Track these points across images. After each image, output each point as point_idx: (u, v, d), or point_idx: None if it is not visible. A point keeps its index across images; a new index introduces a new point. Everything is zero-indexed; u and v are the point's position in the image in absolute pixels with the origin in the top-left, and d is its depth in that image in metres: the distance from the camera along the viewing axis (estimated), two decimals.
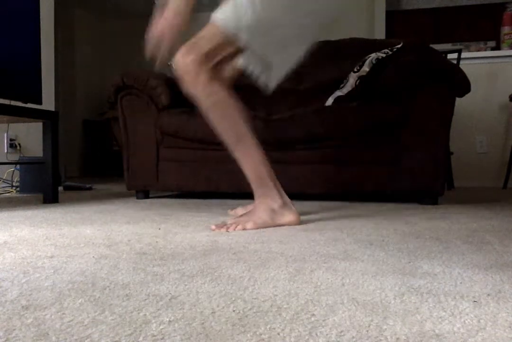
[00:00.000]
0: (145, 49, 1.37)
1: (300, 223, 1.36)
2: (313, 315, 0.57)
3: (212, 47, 1.27)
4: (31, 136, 3.25)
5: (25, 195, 2.58)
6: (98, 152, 5.46)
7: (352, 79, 2.20)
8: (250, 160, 1.35)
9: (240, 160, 1.36)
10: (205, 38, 1.29)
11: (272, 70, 1.33)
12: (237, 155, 1.36)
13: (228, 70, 1.39)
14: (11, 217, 1.54)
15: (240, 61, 1.30)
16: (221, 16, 1.26)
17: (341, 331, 0.51)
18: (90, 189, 3.00)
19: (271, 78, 1.35)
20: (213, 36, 1.28)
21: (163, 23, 1.35)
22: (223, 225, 1.28)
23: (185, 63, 1.27)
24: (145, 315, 0.57)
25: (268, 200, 1.34)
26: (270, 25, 1.27)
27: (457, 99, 2.02)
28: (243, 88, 2.62)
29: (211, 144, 2.18)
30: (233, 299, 0.64)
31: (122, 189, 2.97)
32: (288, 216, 1.34)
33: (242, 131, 1.34)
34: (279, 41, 1.31)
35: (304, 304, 0.61)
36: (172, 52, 1.36)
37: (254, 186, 1.37)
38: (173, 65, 1.32)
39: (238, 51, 1.29)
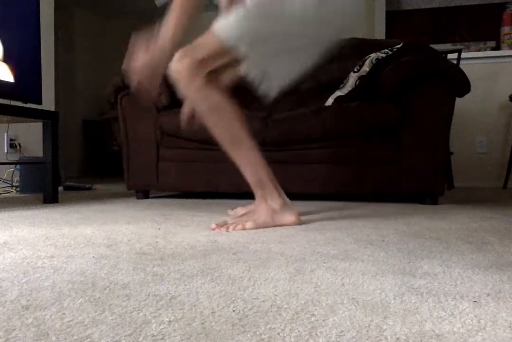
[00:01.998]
0: (129, 78, 1.36)
1: (300, 223, 1.36)
2: (313, 315, 0.57)
3: (209, 55, 1.27)
4: (31, 136, 3.25)
5: (25, 195, 2.58)
6: (98, 152, 5.46)
7: (352, 79, 2.20)
8: (248, 162, 1.35)
9: (238, 163, 1.36)
10: (203, 45, 1.28)
11: (271, 80, 1.32)
12: (235, 158, 1.36)
13: (226, 78, 1.39)
14: (11, 217, 1.54)
15: (240, 70, 1.30)
16: (221, 27, 1.25)
17: (341, 331, 0.51)
18: (90, 189, 3.00)
19: (270, 88, 1.34)
20: (211, 45, 1.27)
21: (145, 61, 1.32)
22: (223, 225, 1.28)
23: (180, 67, 1.27)
24: (145, 315, 0.57)
25: (269, 201, 1.34)
26: (270, 35, 1.26)
27: (457, 99, 2.02)
28: (243, 88, 2.62)
29: (211, 144, 2.18)
30: (233, 299, 0.63)
31: (122, 189, 2.97)
32: (289, 216, 1.34)
33: (238, 134, 1.33)
34: (279, 51, 1.30)
35: (304, 304, 0.61)
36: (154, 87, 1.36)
37: (254, 188, 1.37)
38: (168, 69, 1.32)
39: (237, 60, 1.28)
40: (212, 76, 1.30)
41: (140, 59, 1.33)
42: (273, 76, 1.32)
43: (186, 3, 1.31)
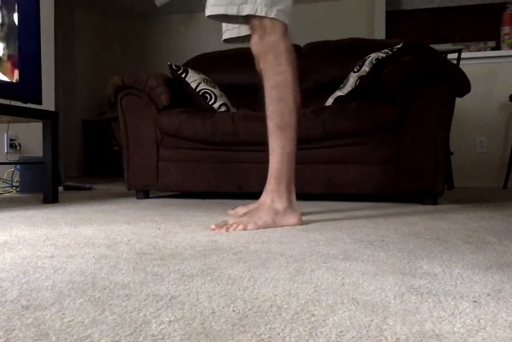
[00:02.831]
0: None
1: (302, 224, 1.35)
2: (313, 315, 0.57)
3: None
4: (31, 136, 3.25)
5: (25, 195, 2.58)
6: (98, 152, 5.46)
7: (352, 79, 2.20)
8: (282, 151, 1.34)
9: (271, 148, 1.35)
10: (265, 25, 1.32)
11: None
12: (272, 142, 1.35)
13: None
14: (11, 217, 1.54)
15: None
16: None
17: (341, 331, 0.51)
18: (90, 189, 3.00)
19: None
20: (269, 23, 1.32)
21: None
22: (223, 225, 1.28)
23: (270, 41, 1.32)
24: (145, 315, 0.57)
25: (276, 199, 1.33)
26: None
27: (457, 99, 2.02)
28: (243, 88, 2.62)
29: (211, 144, 2.19)
30: (233, 299, 0.63)
31: (122, 189, 2.97)
32: (291, 219, 1.33)
33: (290, 121, 1.33)
34: None
35: (304, 304, 0.61)
36: None
37: (270, 179, 1.35)
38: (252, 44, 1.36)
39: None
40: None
41: None
42: None
43: None
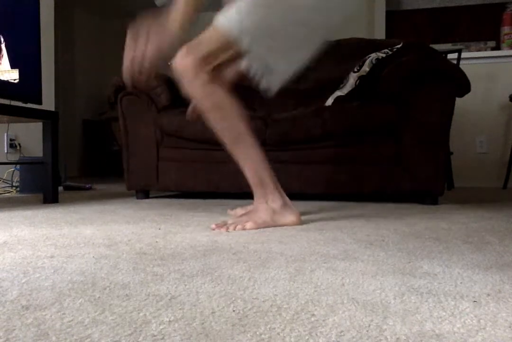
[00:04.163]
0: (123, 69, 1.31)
1: (301, 223, 1.36)
2: (313, 315, 0.57)
3: (213, 49, 1.27)
4: (31, 136, 3.25)
5: (25, 195, 2.58)
6: (98, 152, 5.46)
7: (352, 79, 2.20)
8: (250, 161, 1.35)
9: (240, 161, 1.36)
10: (206, 40, 1.28)
11: (273, 74, 1.31)
12: (237, 156, 1.35)
13: (229, 73, 1.38)
14: (11, 217, 1.54)
15: (242, 65, 1.30)
16: (223, 20, 1.25)
17: (341, 331, 0.51)
18: (90, 188, 3.00)
19: (272, 82, 1.33)
20: (215, 39, 1.27)
21: (134, 56, 1.28)
22: (223, 225, 1.28)
23: (184, 64, 1.27)
24: (145, 315, 0.57)
25: (269, 201, 1.34)
26: (272, 29, 1.26)
27: (457, 99, 2.02)
28: (243, 88, 2.62)
29: (211, 144, 2.18)
30: (233, 299, 0.63)
31: (122, 189, 2.97)
32: (289, 217, 1.34)
33: (241, 132, 1.33)
34: (281, 45, 1.30)
35: (304, 304, 0.61)
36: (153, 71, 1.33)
37: (254, 187, 1.36)
38: (172, 66, 1.31)
39: (239, 55, 1.28)
40: (216, 73, 1.30)
41: (127, 55, 1.29)
42: (275, 70, 1.31)
43: None
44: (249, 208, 1.46)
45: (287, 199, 1.37)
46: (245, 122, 1.33)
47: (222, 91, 1.31)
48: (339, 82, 2.35)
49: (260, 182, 1.34)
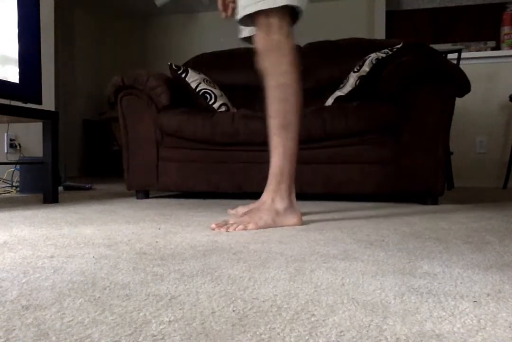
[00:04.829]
0: None
1: (302, 224, 1.35)
2: (313, 315, 0.57)
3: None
4: (31, 136, 3.25)
5: (25, 195, 2.58)
6: (98, 152, 5.46)
7: (352, 79, 2.20)
8: (283, 151, 1.34)
9: (273, 147, 1.35)
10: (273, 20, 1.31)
11: None
12: (273, 142, 1.35)
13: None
14: (11, 217, 1.54)
15: None
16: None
17: (341, 331, 0.51)
18: (90, 189, 3.00)
19: None
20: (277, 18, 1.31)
21: None
22: (223, 224, 1.28)
23: (275, 39, 1.31)
24: (145, 315, 0.57)
25: (276, 199, 1.33)
26: None
27: (457, 99, 2.02)
28: (243, 88, 2.62)
29: (211, 144, 2.19)
30: (233, 299, 0.63)
31: (122, 189, 2.97)
32: (291, 219, 1.33)
33: (292, 120, 1.33)
34: None
35: (304, 304, 0.61)
36: None
37: (271, 177, 1.35)
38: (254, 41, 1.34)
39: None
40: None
41: None
42: None
43: None
44: (251, 205, 1.45)
45: (294, 199, 1.36)
46: (300, 114, 1.34)
47: (296, 75, 1.33)
48: (339, 82, 2.35)
49: (280, 173, 1.33)
